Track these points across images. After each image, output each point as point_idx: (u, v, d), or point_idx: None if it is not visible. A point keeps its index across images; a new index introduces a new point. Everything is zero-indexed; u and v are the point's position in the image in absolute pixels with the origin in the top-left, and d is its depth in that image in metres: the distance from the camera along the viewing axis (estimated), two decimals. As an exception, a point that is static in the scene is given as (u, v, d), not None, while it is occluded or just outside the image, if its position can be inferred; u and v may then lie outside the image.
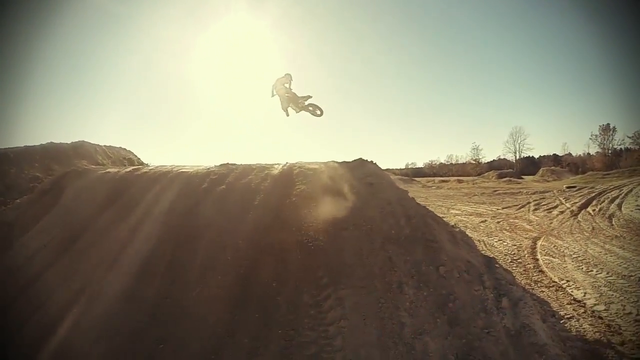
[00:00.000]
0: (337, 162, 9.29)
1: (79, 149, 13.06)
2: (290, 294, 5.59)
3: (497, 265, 8.52)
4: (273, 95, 10.07)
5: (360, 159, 9.14)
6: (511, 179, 36.07)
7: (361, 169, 8.72)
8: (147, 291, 6.51)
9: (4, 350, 6.36)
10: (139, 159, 14.77)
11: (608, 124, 51.28)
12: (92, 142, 13.50)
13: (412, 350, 5.04)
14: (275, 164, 9.61)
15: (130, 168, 10.71)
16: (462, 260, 7.22)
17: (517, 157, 52.13)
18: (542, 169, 42.60)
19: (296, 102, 10.14)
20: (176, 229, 7.62)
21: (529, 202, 19.20)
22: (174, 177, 9.37)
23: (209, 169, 9.57)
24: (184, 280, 6.43)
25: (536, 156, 54.22)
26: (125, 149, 14.67)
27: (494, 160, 56.10)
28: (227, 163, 9.72)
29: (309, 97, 10.31)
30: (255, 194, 8.05)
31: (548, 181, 34.06)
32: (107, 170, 10.90)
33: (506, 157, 54.61)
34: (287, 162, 9.67)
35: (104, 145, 13.88)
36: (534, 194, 22.27)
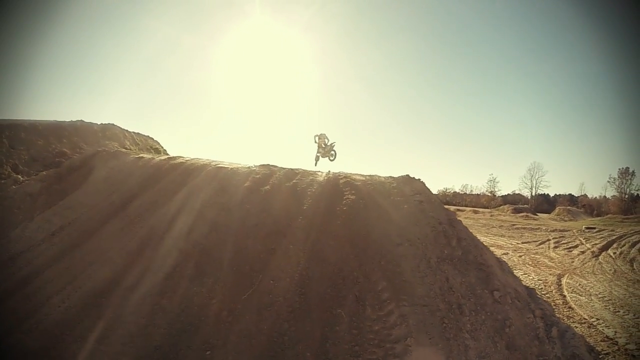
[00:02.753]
0: (381, 177, 9.21)
1: (108, 132, 13.00)
2: (352, 307, 5.46)
3: (538, 296, 8.69)
4: (315, 142, 13.07)
5: (407, 175, 9.08)
6: (528, 214, 36.01)
7: (409, 186, 8.65)
8: (188, 289, 6.26)
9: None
10: (165, 150, 14.69)
11: (627, 168, 50.98)
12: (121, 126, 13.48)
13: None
14: (318, 171, 9.54)
15: (165, 157, 10.64)
16: (511, 287, 7.34)
17: (533, 194, 52.02)
18: (558, 207, 42.32)
19: (325, 151, 13.11)
20: (219, 225, 7.50)
21: (548, 239, 19.22)
22: (213, 172, 9.27)
23: (249, 167, 9.47)
24: (230, 281, 6.25)
25: (551, 194, 54.07)
26: (152, 138, 14.60)
27: (508, 194, 56.03)
28: (268, 164, 9.62)
29: (334, 143, 13.20)
30: (302, 199, 7.96)
31: (565, 220, 33.99)
32: (140, 156, 10.82)
33: (521, 193, 54.56)
34: (329, 171, 9.62)
35: (133, 132, 13.82)
36: (553, 231, 22.31)
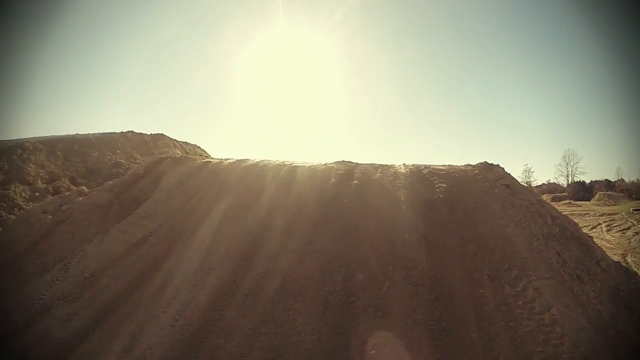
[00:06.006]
0: (458, 165, 9.92)
1: (159, 141, 13.65)
2: (490, 286, 6.13)
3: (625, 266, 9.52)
4: None
5: (485, 162, 9.79)
6: (570, 201, 36.86)
7: (491, 172, 9.36)
8: (320, 289, 6.47)
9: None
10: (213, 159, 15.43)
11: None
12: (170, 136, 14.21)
13: (618, 334, 5.87)
14: (392, 165, 10.23)
15: (234, 159, 11.23)
16: (609, 258, 8.18)
17: (570, 181, 52.48)
18: (598, 193, 42.80)
19: None
20: (320, 222, 8.00)
21: (599, 223, 20.16)
22: (291, 171, 9.86)
23: (325, 164, 10.13)
24: (362, 276, 6.62)
25: (587, 181, 54.33)
26: (199, 146, 15.34)
27: (543, 184, 56.40)
28: (344, 160, 10.29)
29: None
30: (395, 190, 8.62)
31: (608, 205, 34.69)
32: (207, 160, 11.44)
33: (556, 181, 55.13)
34: (404, 163, 10.31)
35: (181, 141, 14.53)
36: (601, 216, 23.11)
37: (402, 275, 6.51)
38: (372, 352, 5.34)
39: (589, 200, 41.43)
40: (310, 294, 6.44)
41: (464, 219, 7.62)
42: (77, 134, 13.11)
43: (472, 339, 5.35)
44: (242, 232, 8.34)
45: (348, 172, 9.50)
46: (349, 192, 8.68)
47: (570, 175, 52.72)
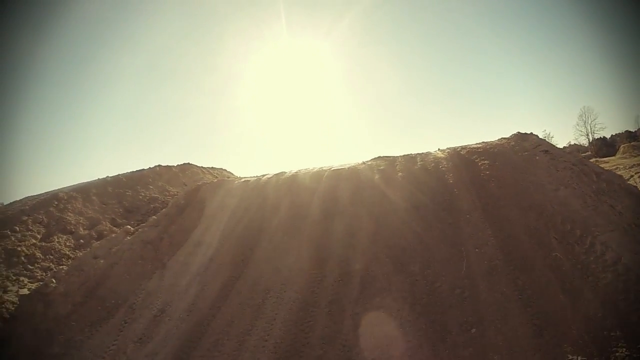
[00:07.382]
0: (492, 140, 10.57)
1: (188, 170, 14.33)
2: (560, 248, 6.76)
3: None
4: None
5: (518, 132, 10.42)
6: (597, 159, 37.50)
7: (526, 141, 10.01)
8: (400, 282, 7.01)
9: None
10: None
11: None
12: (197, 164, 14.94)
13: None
14: (428, 152, 10.87)
15: (272, 174, 11.85)
16: None
17: (590, 140, 52.95)
18: (622, 146, 43.41)
19: None
20: (378, 218, 8.61)
21: (631, 176, 20.60)
22: (334, 175, 10.44)
23: (363, 163, 10.77)
24: (440, 258, 7.22)
25: (608, 136, 54.59)
26: (226, 170, 16.07)
27: (565, 147, 56.66)
28: (380, 156, 10.93)
29: None
30: (442, 175, 9.25)
31: (634, 156, 35.15)
32: (245, 180, 12.06)
33: (577, 142, 55.47)
34: (438, 148, 10.97)
35: (207, 167, 15.27)
36: (631, 167, 23.65)
37: (475, 253, 7.13)
38: (473, 330, 5.89)
39: (613, 155, 41.93)
40: (394, 288, 6.95)
41: (516, 190, 8.26)
42: (107, 176, 13.72)
43: (560, 299, 5.96)
44: (304, 243, 8.82)
45: (389, 166, 10.12)
46: (397, 185, 9.32)
47: (590, 134, 53.34)
